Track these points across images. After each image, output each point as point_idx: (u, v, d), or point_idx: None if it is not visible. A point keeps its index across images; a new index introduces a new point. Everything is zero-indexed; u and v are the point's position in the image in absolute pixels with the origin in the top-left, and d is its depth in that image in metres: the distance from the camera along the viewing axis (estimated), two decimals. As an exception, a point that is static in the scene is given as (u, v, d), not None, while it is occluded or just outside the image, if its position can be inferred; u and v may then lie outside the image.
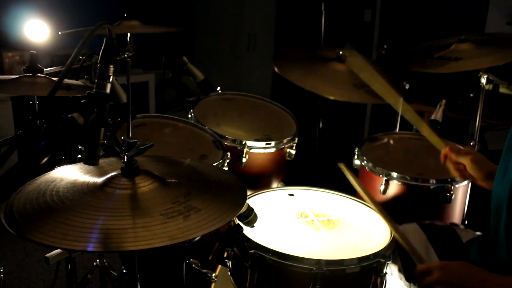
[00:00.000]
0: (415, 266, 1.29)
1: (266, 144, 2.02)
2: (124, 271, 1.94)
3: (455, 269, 1.24)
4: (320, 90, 2.03)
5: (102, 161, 1.11)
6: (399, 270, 1.50)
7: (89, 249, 0.87)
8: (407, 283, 1.47)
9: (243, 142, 1.97)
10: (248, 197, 1.51)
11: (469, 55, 1.91)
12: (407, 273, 1.47)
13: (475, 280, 1.20)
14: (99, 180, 1.07)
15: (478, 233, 1.60)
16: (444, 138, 1.80)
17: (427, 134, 1.65)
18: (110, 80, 1.01)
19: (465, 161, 1.51)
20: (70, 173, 1.12)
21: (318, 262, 1.21)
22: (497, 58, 1.84)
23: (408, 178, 1.88)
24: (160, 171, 1.12)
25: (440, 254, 1.49)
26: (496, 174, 1.36)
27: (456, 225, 1.79)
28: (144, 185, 1.05)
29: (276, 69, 2.11)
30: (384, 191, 1.89)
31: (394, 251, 1.38)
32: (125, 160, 1.07)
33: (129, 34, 2.00)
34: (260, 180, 2.09)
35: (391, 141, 2.21)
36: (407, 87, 2.22)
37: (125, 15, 1.77)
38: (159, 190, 1.05)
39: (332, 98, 2.04)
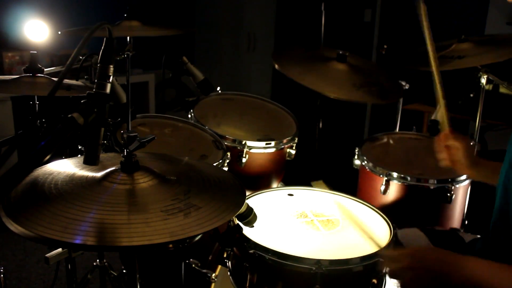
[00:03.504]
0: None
1: (266, 144, 2.02)
2: (124, 271, 1.94)
3: (425, 255, 1.21)
4: (320, 88, 2.03)
5: (102, 156, 1.11)
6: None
7: (89, 243, 0.87)
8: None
9: (243, 142, 1.97)
10: (247, 197, 1.52)
11: (471, 54, 1.92)
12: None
13: (447, 264, 1.17)
14: (98, 174, 1.07)
15: (478, 236, 1.60)
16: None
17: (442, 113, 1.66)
18: (110, 80, 1.01)
19: (461, 144, 1.53)
20: (69, 167, 1.12)
21: (317, 262, 1.21)
22: (498, 55, 1.84)
23: (408, 178, 1.88)
24: (159, 168, 1.12)
25: None
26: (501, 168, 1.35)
27: (457, 229, 1.79)
28: (144, 181, 1.05)
29: (276, 66, 2.10)
30: (384, 191, 1.89)
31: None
32: (125, 154, 1.06)
33: (129, 34, 2.00)
34: (260, 180, 2.09)
35: (391, 141, 2.21)
36: (407, 87, 2.22)
37: (125, 15, 1.77)
38: (158, 187, 1.05)
39: (332, 96, 2.04)
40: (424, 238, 1.56)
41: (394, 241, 1.35)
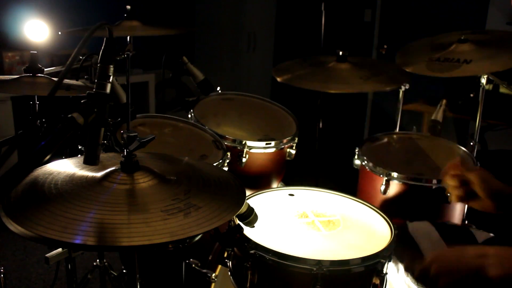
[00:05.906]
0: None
1: (266, 144, 2.02)
2: (124, 271, 1.94)
3: (449, 256, 1.15)
4: (327, 88, 2.04)
5: (102, 156, 1.11)
6: (405, 269, 1.49)
7: (89, 243, 0.87)
8: (413, 280, 1.46)
9: (243, 142, 1.97)
10: (248, 197, 1.52)
11: (476, 57, 1.90)
12: (414, 271, 1.46)
13: (472, 257, 1.10)
14: (98, 174, 1.07)
15: (491, 234, 1.57)
16: (444, 138, 1.79)
17: None
18: (110, 80, 1.01)
19: (473, 177, 1.34)
20: (69, 167, 1.12)
21: (318, 262, 1.21)
22: (503, 63, 1.81)
23: (409, 178, 1.87)
24: (159, 168, 1.12)
25: None
26: None
27: (469, 225, 1.77)
28: (144, 181, 1.05)
29: (278, 79, 2.12)
30: (385, 191, 1.89)
31: (400, 250, 1.37)
32: (125, 154, 1.06)
33: (129, 34, 2.00)
34: (260, 180, 2.09)
35: (391, 141, 2.21)
36: (407, 87, 2.22)
37: (125, 15, 1.77)
38: (158, 187, 1.05)
39: (337, 91, 2.05)
40: (434, 232, 1.54)
41: (403, 235, 1.33)
